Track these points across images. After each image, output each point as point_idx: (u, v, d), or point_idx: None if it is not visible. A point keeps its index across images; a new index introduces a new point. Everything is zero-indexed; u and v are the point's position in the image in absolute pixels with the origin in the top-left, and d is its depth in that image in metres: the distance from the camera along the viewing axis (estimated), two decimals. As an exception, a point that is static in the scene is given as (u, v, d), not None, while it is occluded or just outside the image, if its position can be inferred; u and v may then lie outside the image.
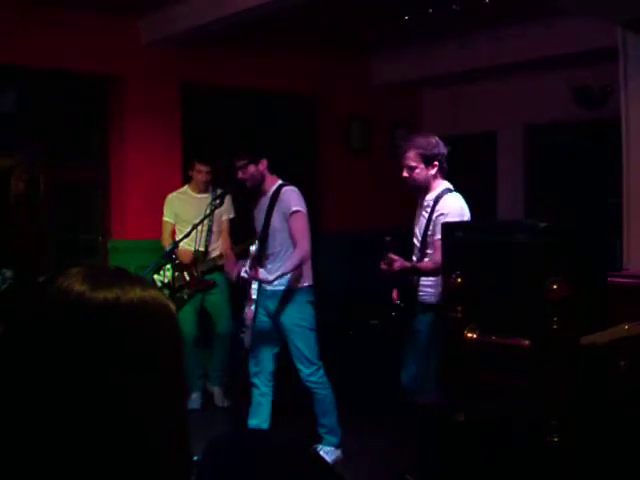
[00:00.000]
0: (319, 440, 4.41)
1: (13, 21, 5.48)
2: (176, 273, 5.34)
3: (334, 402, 4.37)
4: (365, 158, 7.85)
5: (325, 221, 7.43)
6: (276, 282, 4.22)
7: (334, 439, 4.41)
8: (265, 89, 7.06)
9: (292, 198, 4.29)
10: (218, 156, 5.40)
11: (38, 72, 5.77)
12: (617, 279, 3.98)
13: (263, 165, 4.33)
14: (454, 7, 5.69)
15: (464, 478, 3.18)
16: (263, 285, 4.30)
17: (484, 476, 3.09)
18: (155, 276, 5.28)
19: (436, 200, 3.98)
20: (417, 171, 4.04)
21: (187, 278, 5.42)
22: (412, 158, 4.04)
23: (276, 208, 4.29)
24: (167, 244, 5.33)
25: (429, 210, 4.00)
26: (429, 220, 3.97)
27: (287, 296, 4.31)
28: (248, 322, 4.32)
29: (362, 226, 7.60)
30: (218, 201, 4.66)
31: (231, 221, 5.60)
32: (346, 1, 5.70)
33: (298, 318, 4.31)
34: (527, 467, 2.91)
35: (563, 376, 2.85)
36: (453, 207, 3.92)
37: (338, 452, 4.42)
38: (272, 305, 4.34)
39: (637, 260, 4.72)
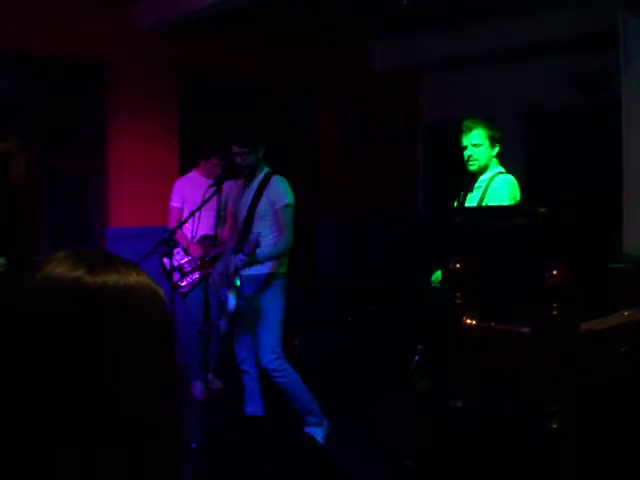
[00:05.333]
0: (302, 423, 4.42)
1: (8, 6, 5.43)
2: (187, 257, 5.41)
3: (302, 385, 4.35)
4: (363, 144, 7.82)
5: (323, 207, 7.41)
6: (254, 267, 4.29)
7: (314, 419, 4.41)
8: (263, 75, 7.02)
9: (282, 189, 4.35)
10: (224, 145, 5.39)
11: (34, 58, 5.72)
12: (617, 265, 3.97)
13: (261, 154, 4.39)
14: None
15: (462, 464, 3.18)
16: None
17: (482, 463, 3.09)
18: (166, 259, 5.29)
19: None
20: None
21: (198, 262, 5.45)
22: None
23: (264, 196, 4.34)
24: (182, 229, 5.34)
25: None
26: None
27: (263, 281, 4.33)
28: (230, 308, 4.32)
29: (360, 212, 7.58)
30: (216, 187, 4.63)
31: None
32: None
33: (270, 305, 4.33)
34: (526, 454, 2.91)
35: (563, 362, 2.83)
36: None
37: (323, 428, 4.42)
38: (248, 289, 4.36)
39: (637, 245, 4.71)
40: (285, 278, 4.43)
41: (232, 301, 4.31)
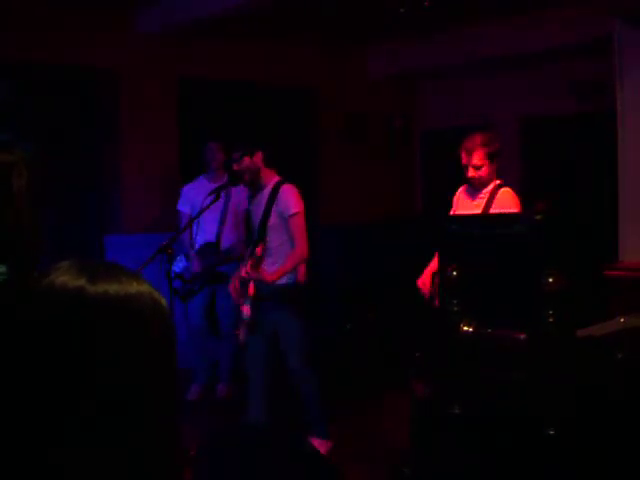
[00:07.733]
0: (309, 432, 4.42)
1: (9, 14, 5.45)
2: (188, 264, 5.36)
3: (320, 394, 4.35)
4: (363, 150, 7.84)
5: (324, 213, 7.43)
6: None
7: (322, 430, 4.41)
8: (263, 82, 7.04)
9: (291, 198, 4.30)
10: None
11: (35, 65, 5.74)
12: (613, 271, 3.99)
13: (258, 157, 4.33)
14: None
15: (460, 471, 3.19)
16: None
17: (481, 469, 3.09)
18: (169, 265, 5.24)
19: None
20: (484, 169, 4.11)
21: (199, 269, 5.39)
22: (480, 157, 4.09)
23: (274, 206, 4.30)
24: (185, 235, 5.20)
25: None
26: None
27: (282, 292, 4.31)
28: (246, 317, 4.31)
29: (361, 218, 7.60)
30: (215, 195, 4.64)
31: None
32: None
33: (292, 313, 4.31)
34: (524, 460, 2.92)
35: (560, 369, 2.85)
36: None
37: (328, 443, 4.42)
38: (266, 299, 4.34)
39: (632, 252, 4.72)
40: (302, 287, 4.38)
41: (248, 310, 4.31)
